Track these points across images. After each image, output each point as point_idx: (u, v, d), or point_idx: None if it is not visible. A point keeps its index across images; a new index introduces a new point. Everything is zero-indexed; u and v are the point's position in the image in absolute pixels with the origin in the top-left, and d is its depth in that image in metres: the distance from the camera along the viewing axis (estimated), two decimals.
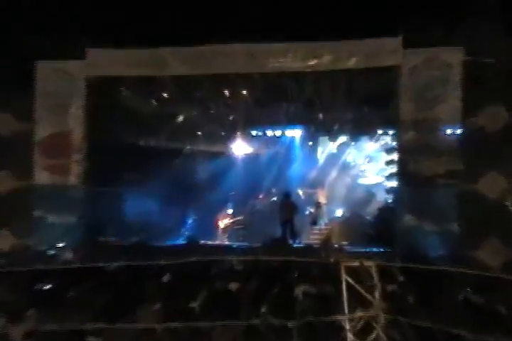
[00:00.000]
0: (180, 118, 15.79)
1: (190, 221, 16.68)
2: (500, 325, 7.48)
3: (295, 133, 18.41)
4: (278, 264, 9.51)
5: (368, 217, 15.42)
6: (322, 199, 16.50)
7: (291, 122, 16.85)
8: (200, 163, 17.66)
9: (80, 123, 12.68)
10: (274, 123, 17.40)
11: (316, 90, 13.07)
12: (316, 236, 15.40)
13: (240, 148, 18.46)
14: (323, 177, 17.94)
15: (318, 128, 17.53)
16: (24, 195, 12.10)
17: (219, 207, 16.81)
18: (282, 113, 15.46)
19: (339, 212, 16.97)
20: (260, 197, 17.39)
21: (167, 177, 15.36)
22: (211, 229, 16.25)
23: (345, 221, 15.84)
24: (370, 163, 18.07)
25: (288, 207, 15.01)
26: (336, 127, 16.83)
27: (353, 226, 14.99)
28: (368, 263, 7.87)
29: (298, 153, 18.71)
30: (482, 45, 10.70)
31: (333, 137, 17.98)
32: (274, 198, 16.98)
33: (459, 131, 11.51)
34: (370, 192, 16.89)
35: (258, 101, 14.22)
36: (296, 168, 18.28)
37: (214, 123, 16.55)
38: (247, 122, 16.62)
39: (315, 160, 18.83)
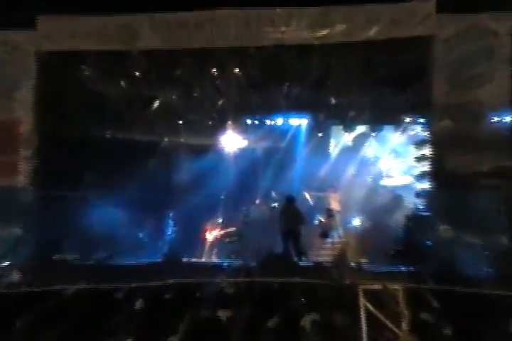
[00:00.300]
0: (157, 103, 15.75)
1: (169, 233, 16.52)
2: None
3: (300, 122, 18.34)
4: (279, 287, 9.54)
5: (394, 228, 15.33)
6: (335, 206, 16.42)
7: (295, 108, 16.79)
8: (181, 160, 17.59)
9: (30, 109, 12.66)
10: (274, 110, 17.29)
11: (327, 68, 13.06)
12: (327, 252, 15.33)
13: (231, 140, 18.37)
14: (337, 177, 17.84)
15: (330, 116, 17.39)
16: None
17: (205, 216, 16.77)
18: (284, 96, 15.43)
19: (357, 222, 16.91)
20: (257, 202, 17.29)
21: (140, 177, 15.28)
22: (196, 242, 16.19)
23: (364, 232, 15.81)
24: (395, 160, 18.03)
25: (292, 215, 14.93)
26: (351, 114, 16.71)
27: (375, 239, 14.97)
28: (393, 286, 7.86)
29: (304, 146, 18.61)
30: None
31: (348, 126, 17.85)
32: (275, 204, 16.93)
33: (507, 118, 11.49)
34: (395, 196, 16.80)
35: (254, 81, 14.19)
36: (301, 166, 18.19)
37: (199, 109, 16.52)
38: (241, 108, 16.55)
39: (326, 155, 18.77)
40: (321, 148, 18.74)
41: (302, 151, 18.62)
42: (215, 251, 16.15)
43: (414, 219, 14.33)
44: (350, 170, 18.04)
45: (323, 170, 18.20)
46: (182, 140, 17.69)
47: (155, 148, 16.74)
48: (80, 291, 9.40)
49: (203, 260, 15.56)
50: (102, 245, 13.78)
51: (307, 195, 17.12)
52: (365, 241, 15.11)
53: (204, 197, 16.66)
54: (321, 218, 16.44)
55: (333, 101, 15.78)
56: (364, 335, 7.81)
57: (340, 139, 18.71)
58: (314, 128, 18.44)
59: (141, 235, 15.92)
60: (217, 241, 16.32)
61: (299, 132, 18.61)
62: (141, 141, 16.01)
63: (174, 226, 16.66)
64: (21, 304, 9.39)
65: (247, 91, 14.77)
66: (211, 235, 16.36)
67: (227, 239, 16.21)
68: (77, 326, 9.01)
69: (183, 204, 16.79)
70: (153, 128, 16.45)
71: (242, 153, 18.41)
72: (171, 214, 16.78)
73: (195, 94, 15.58)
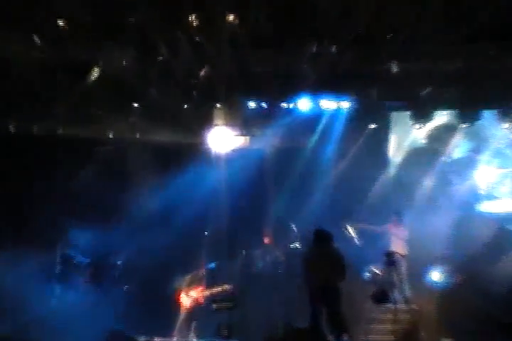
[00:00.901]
0: (96, 73, 15.66)
1: (116, 294, 16.51)
2: None
3: (339, 105, 18.04)
4: None
5: (500, 285, 15.18)
6: (399, 247, 16.38)
7: (329, 82, 16.73)
8: (137, 170, 17.61)
9: None
10: (293, 85, 17.18)
11: (384, 11, 13.09)
12: (385, 327, 15.33)
13: (222, 136, 18.37)
14: (401, 198, 18.00)
15: (389, 95, 17.37)
16: None
17: (179, 265, 16.63)
18: (311, 62, 15.54)
19: (436, 275, 16.78)
20: (265, 241, 17.47)
21: (68, 198, 15.50)
22: (162, 310, 16.13)
23: (449, 293, 15.79)
24: (501, 169, 18.16)
25: (325, 264, 14.68)
26: (426, 91, 16.60)
27: (467, 304, 14.83)
28: None
29: (345, 146, 18.76)
30: None
31: (420, 113, 17.60)
32: (296, 244, 17.05)
33: None
34: (503, 231, 16.85)
35: (260, 36, 14.21)
36: (340, 179, 18.42)
37: (167, 84, 16.49)
38: (238, 82, 16.60)
39: (381, 161, 19.01)
40: (373, 148, 18.89)
41: (341, 154, 18.76)
42: (194, 324, 15.89)
43: None
44: (425, 187, 18.12)
45: (378, 187, 18.40)
46: (138, 136, 17.71)
47: (91, 149, 16.64)
48: None
49: (175, 340, 15.44)
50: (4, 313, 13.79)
51: (350, 230, 17.20)
52: (450, 308, 15.10)
53: (175, 234, 16.63)
54: (374, 268, 16.41)
55: (395, 68, 15.66)
56: None
57: (408, 134, 18.86)
58: (362, 115, 18.28)
59: (70, 298, 15.82)
60: (199, 308, 16.08)
61: (336, 122, 18.57)
62: (67, 138, 16.00)
63: (125, 282, 16.68)
64: None
65: (249, 54, 14.87)
66: (188, 298, 16.06)
67: (215, 305, 15.84)
68: None
69: (139, 246, 16.82)
70: (89, 115, 16.36)
71: (241, 158, 18.33)
72: (118, 263, 16.82)
73: (160, 58, 15.51)
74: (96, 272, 16.50)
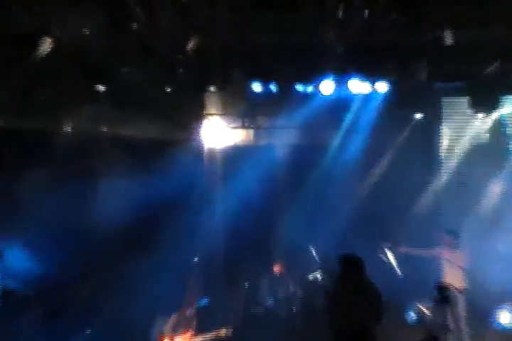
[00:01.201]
0: (48, 46, 15.12)
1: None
2: None
3: (373, 89, 17.73)
4: None
5: None
6: (454, 279, 15.68)
7: (360, 58, 16.56)
8: (106, 172, 17.17)
9: None
10: (312, 62, 16.94)
11: None
12: None
13: (217, 130, 18.32)
14: (457, 211, 17.60)
15: (439, 74, 17.13)
16: None
17: (162, 300, 16.44)
18: (336, 30, 15.33)
19: (504, 316, 16.49)
20: (276, 270, 17.25)
21: (6, 209, 14.96)
22: None
23: None
24: None
25: (354, 300, 13.88)
26: (490, 69, 16.27)
27: None
28: None
29: (380, 142, 18.52)
30: None
31: (482, 97, 17.23)
32: (316, 274, 16.76)
33: None
34: None
35: None
36: (373, 186, 18.32)
37: (143, 60, 16.13)
38: (239, 57, 16.30)
39: (430, 161, 18.74)
40: (419, 145, 18.67)
41: (377, 153, 18.61)
42: None
43: None
44: (489, 197, 17.79)
45: (427, 197, 18.16)
46: (105, 129, 17.40)
47: (42, 145, 16.14)
48: None
49: None
50: None
51: (389, 254, 16.77)
52: None
53: (156, 259, 16.31)
54: (422, 307, 16.09)
55: (448, 38, 15.38)
56: None
57: (466, 126, 18.53)
58: (405, 101, 18.08)
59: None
60: None
61: (370, 111, 18.39)
62: (9, 130, 15.60)
63: (87, 325, 16.21)
64: None
65: (254, 20, 14.67)
66: None
67: None
68: None
69: (106, 275, 16.44)
70: (39, 102, 15.88)
71: (243, 158, 18.19)
72: (78, 298, 16.23)
73: (134, 25, 15.15)
74: (46, 311, 15.90)
